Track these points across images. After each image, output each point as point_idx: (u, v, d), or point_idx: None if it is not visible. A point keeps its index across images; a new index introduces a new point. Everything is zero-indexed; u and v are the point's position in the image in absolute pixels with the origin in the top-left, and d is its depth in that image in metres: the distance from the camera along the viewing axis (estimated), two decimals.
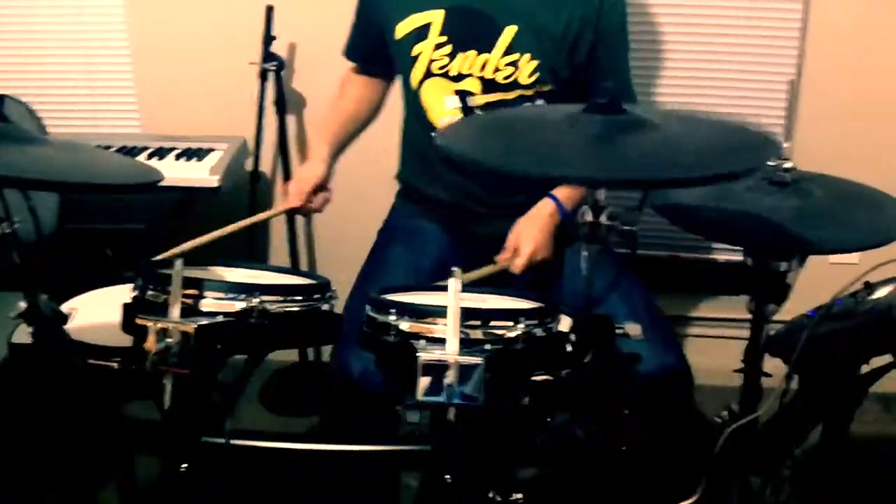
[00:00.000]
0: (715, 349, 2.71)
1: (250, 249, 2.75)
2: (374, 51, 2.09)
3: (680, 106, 2.63)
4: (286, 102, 2.58)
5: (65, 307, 1.70)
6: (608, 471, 1.37)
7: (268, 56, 2.51)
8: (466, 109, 1.94)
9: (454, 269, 1.28)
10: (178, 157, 2.48)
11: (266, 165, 2.75)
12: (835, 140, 2.51)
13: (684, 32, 2.59)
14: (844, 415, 1.68)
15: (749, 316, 1.56)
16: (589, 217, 1.20)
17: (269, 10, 2.49)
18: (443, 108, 1.95)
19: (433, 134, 1.27)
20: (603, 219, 1.19)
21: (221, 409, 1.41)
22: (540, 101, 1.92)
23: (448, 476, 1.30)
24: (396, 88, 2.12)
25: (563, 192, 1.92)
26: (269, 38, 2.51)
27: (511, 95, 1.91)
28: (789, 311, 1.58)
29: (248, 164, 2.65)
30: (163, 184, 2.34)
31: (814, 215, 1.45)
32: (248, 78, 2.54)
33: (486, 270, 1.86)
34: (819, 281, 1.53)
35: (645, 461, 1.46)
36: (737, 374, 1.57)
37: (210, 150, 2.52)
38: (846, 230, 1.46)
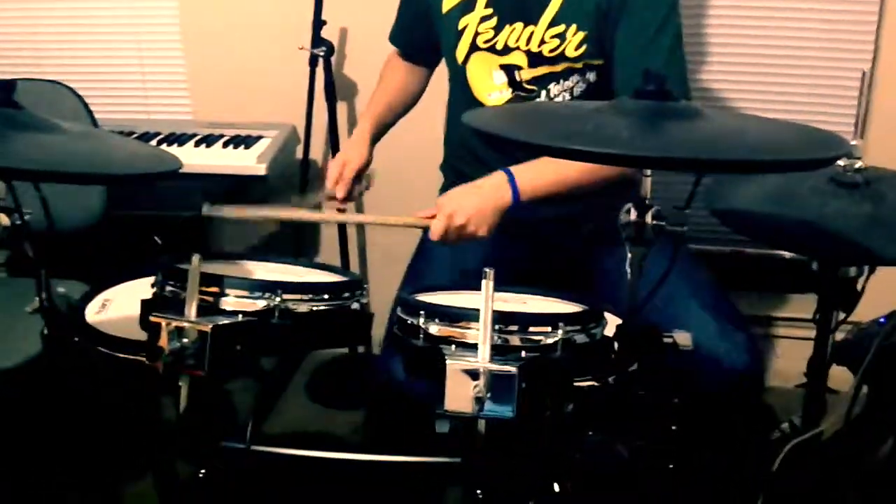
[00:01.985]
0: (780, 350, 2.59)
1: (298, 243, 2.71)
2: (419, 35, 2.03)
3: (744, 98, 2.50)
4: (336, 88, 2.51)
5: (100, 298, 1.67)
6: (653, 490, 1.27)
7: (318, 41, 2.45)
8: (515, 84, 1.86)
9: (487, 269, 1.19)
10: (225, 144, 2.45)
11: (316, 153, 2.69)
12: None
13: (747, 24, 2.45)
14: None
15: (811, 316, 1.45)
16: (633, 216, 1.09)
17: None
18: (490, 82, 1.87)
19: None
20: (648, 218, 1.09)
21: (265, 406, 1.35)
22: (591, 75, 1.81)
23: (479, 491, 1.21)
24: (441, 82, 2.03)
25: (529, 174, 1.71)
26: (318, 23, 2.44)
27: (558, 68, 1.81)
28: (857, 316, 1.47)
29: (299, 152, 2.59)
30: (210, 171, 2.40)
31: (887, 222, 1.32)
32: (300, 63, 2.49)
33: (398, 220, 1.71)
34: (890, 285, 1.41)
35: (695, 478, 1.35)
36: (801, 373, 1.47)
37: (259, 138, 2.48)
38: None
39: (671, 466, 1.25)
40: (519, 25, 1.80)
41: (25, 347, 1.84)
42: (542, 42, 1.78)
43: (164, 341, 1.18)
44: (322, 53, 2.45)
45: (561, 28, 1.76)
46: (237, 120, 2.59)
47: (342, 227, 2.63)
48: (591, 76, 1.82)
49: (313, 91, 2.52)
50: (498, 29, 1.82)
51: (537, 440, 1.25)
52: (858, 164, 1.33)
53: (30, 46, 2.80)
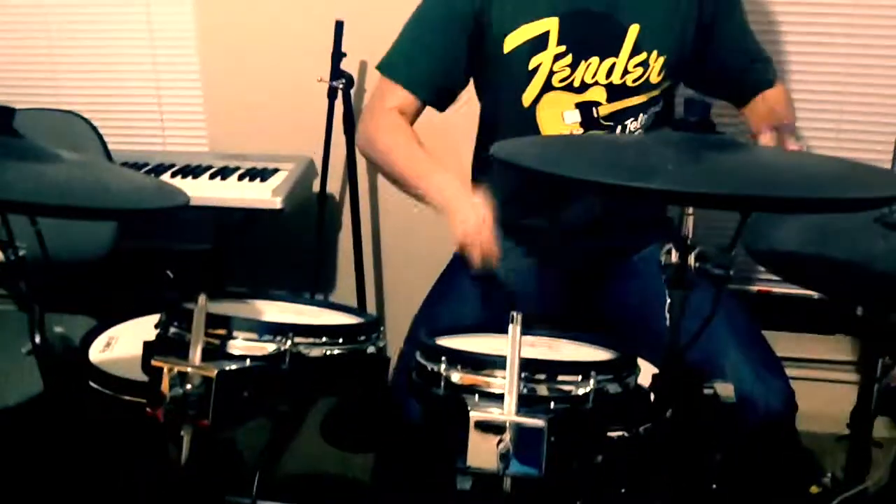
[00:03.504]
0: (817, 393, 2.48)
1: (316, 278, 2.63)
2: (452, 80, 1.84)
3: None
4: (355, 121, 2.46)
5: (105, 336, 1.60)
6: None
7: (337, 73, 2.39)
8: (588, 122, 1.78)
9: (514, 313, 1.10)
10: (241, 177, 2.39)
11: (334, 186, 2.63)
12: None
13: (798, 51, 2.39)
14: None
15: (853, 359, 1.37)
16: (674, 257, 1.00)
17: (339, 25, 2.37)
18: (561, 124, 1.78)
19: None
20: (691, 260, 1.00)
21: (276, 448, 1.26)
22: (662, 103, 1.80)
23: None
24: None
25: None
26: (338, 55, 2.39)
27: (641, 99, 1.76)
28: None
29: (316, 185, 2.53)
30: (224, 205, 2.33)
31: None
32: (318, 96, 2.44)
33: None
34: None
35: None
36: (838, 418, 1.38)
37: (275, 171, 2.42)
38: None
39: None
40: (595, 60, 1.73)
41: (28, 386, 1.78)
42: (626, 72, 1.73)
43: (165, 387, 1.10)
44: (341, 86, 2.40)
45: (643, 56, 1.73)
46: (254, 152, 2.54)
47: (358, 262, 2.56)
48: (661, 104, 1.80)
49: (331, 124, 2.47)
50: (574, 66, 1.74)
51: (566, 496, 1.16)
52: None
53: (48, 76, 2.77)
